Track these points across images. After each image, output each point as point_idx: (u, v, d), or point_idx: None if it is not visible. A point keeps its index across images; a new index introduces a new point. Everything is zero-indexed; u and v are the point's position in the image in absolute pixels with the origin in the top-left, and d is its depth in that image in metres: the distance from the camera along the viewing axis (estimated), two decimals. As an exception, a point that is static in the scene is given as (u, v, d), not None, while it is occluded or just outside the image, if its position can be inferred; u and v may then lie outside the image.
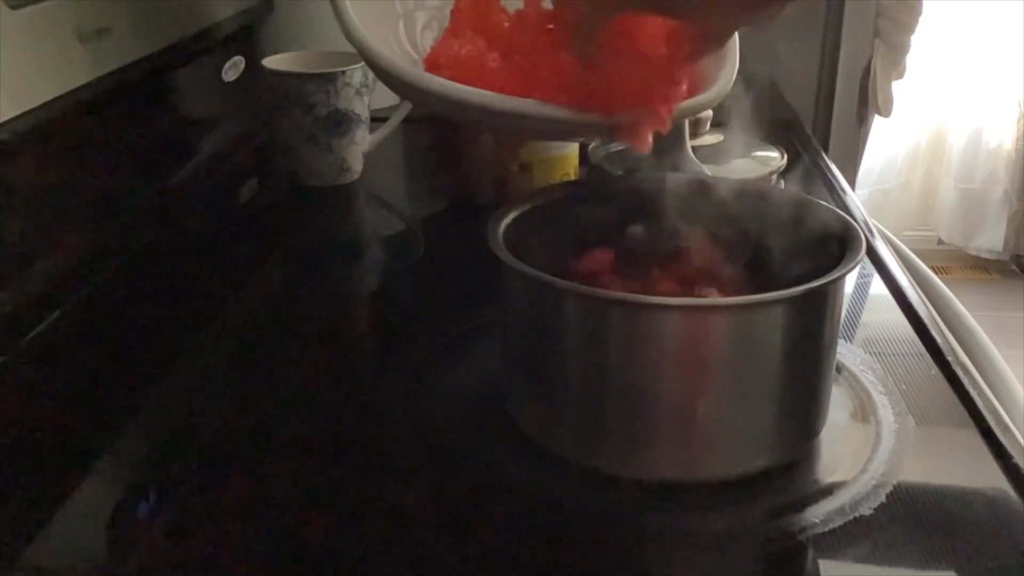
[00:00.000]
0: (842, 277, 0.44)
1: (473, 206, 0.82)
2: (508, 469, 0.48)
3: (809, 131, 1.00)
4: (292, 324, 0.65)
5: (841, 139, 1.27)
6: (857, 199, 0.83)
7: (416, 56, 0.62)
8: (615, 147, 0.80)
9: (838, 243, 0.47)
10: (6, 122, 0.56)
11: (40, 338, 0.59)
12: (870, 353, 0.56)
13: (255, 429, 0.52)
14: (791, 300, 0.44)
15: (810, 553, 0.43)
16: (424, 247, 0.79)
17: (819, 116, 1.26)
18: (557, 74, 0.46)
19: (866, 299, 0.66)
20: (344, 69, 0.80)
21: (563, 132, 0.63)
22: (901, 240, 0.89)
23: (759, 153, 0.81)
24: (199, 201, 0.83)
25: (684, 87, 0.47)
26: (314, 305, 0.68)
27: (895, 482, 0.46)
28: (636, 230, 0.53)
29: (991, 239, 2.38)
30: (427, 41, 0.63)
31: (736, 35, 0.59)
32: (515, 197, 0.53)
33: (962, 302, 0.77)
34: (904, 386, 0.53)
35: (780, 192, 0.57)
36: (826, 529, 0.43)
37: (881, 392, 0.53)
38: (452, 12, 0.52)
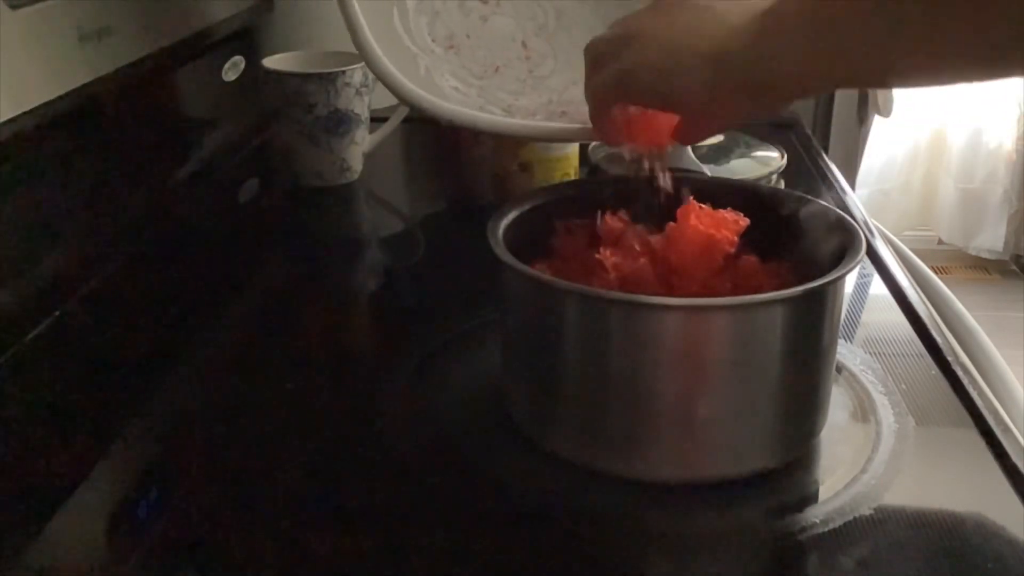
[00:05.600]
0: (842, 277, 0.44)
1: (473, 206, 0.82)
2: (508, 469, 0.48)
3: (809, 131, 1.00)
4: (292, 324, 0.65)
5: (841, 139, 1.27)
6: (857, 199, 0.83)
7: (411, 46, 0.62)
8: (615, 147, 0.80)
9: (838, 243, 0.47)
10: (6, 122, 0.56)
11: (40, 338, 0.59)
12: (870, 353, 0.56)
13: (255, 429, 0.52)
14: (791, 300, 0.44)
15: (810, 553, 0.43)
16: (424, 247, 0.79)
17: (819, 116, 1.26)
18: None
19: (866, 299, 0.66)
20: (344, 69, 0.80)
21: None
22: (901, 240, 0.88)
23: (759, 153, 0.81)
24: (199, 201, 0.83)
25: None
26: (314, 305, 0.68)
27: (895, 482, 0.46)
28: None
29: (991, 239, 2.38)
30: (421, 26, 0.63)
31: None
32: (515, 197, 0.53)
33: (962, 302, 0.77)
34: (904, 386, 0.53)
35: (780, 192, 0.57)
36: (826, 529, 0.43)
37: (881, 392, 0.53)
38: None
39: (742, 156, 0.81)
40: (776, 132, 0.92)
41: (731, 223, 0.49)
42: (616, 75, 0.46)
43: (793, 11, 0.39)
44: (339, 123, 0.82)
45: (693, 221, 0.49)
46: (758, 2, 0.41)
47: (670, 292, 0.48)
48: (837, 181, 0.84)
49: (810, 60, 0.39)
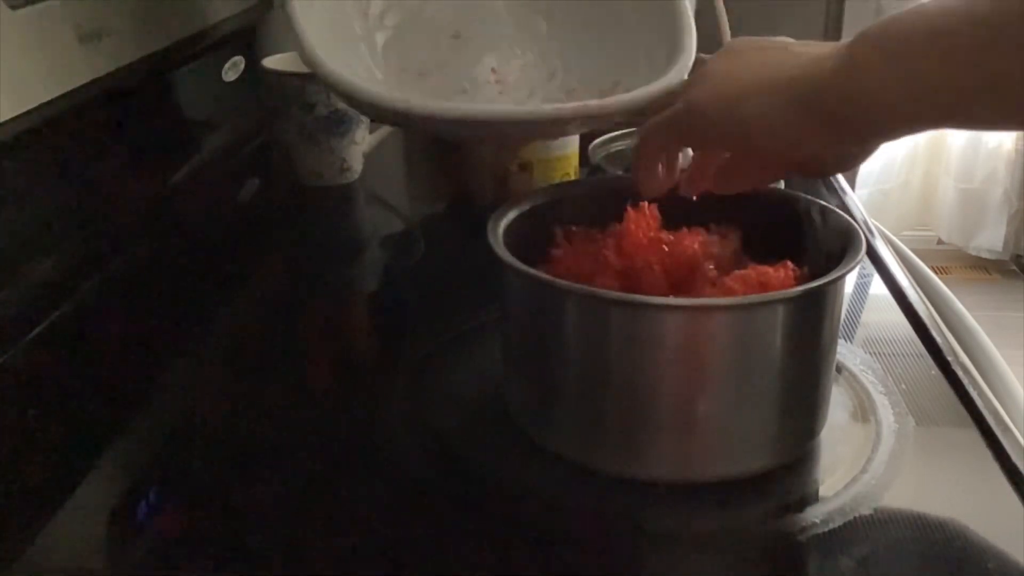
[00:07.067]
0: (842, 277, 0.44)
1: (473, 206, 0.82)
2: (508, 469, 0.48)
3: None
4: (292, 324, 0.65)
5: (841, 139, 1.26)
6: (857, 199, 0.83)
7: (380, 76, 0.63)
8: (615, 147, 0.80)
9: (838, 243, 0.47)
10: (6, 122, 0.56)
11: (40, 338, 0.59)
12: (870, 353, 0.56)
13: (255, 429, 0.52)
14: (791, 300, 0.44)
15: (810, 553, 0.43)
16: (424, 247, 0.79)
17: (819, 116, 1.26)
18: None
19: (866, 299, 0.66)
20: (344, 69, 0.80)
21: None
22: (901, 240, 0.89)
23: (759, 153, 0.81)
24: (199, 201, 0.83)
25: None
26: (314, 305, 0.68)
27: (895, 482, 0.46)
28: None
29: (991, 239, 2.38)
30: (391, 59, 0.64)
31: (689, 16, 0.60)
32: (515, 197, 0.53)
33: (962, 302, 0.77)
34: (904, 386, 0.53)
35: (781, 192, 0.57)
36: (826, 529, 0.43)
37: (881, 392, 0.53)
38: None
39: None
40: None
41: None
42: (674, 112, 0.42)
43: (886, 42, 0.35)
44: (339, 123, 0.82)
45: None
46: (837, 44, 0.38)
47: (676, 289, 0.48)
48: (837, 181, 0.84)
49: (900, 91, 0.35)
